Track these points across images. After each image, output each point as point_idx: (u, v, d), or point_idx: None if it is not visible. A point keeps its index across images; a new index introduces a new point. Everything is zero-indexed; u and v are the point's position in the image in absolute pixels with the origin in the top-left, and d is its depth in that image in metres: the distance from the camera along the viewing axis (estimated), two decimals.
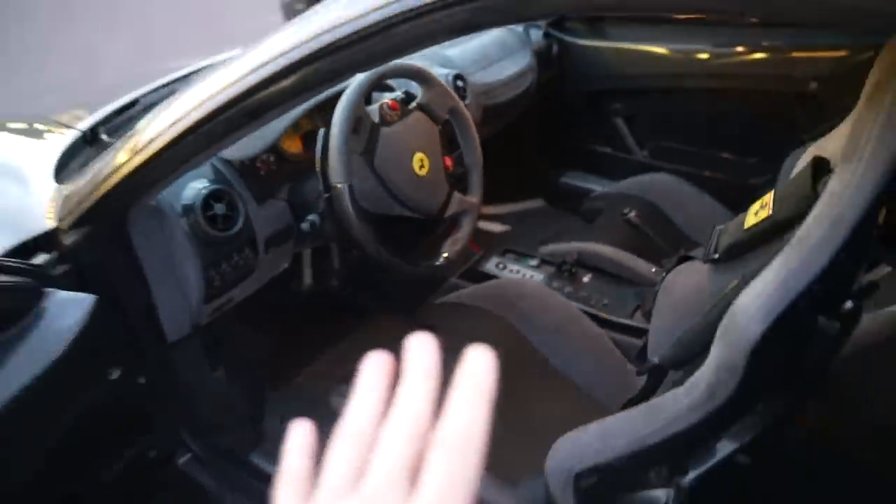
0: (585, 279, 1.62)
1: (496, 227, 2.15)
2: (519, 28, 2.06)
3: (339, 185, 1.18)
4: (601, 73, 2.14)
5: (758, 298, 0.67)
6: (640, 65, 2.07)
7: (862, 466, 1.08)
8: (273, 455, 1.31)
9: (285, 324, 1.65)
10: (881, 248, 0.78)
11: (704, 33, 1.96)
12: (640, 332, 1.40)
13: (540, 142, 2.33)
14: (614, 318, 1.48)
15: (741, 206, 1.06)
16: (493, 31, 2.00)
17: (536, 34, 2.10)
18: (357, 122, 1.23)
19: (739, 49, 1.90)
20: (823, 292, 0.72)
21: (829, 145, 0.94)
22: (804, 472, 1.08)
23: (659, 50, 2.03)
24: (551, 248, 1.75)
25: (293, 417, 0.41)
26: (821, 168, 0.87)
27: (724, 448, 0.87)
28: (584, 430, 0.90)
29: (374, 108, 1.31)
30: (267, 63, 0.81)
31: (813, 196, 0.82)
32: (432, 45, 0.78)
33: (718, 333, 0.73)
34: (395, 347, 1.18)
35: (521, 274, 1.69)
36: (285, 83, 0.81)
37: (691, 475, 0.89)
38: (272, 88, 0.83)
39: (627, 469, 0.88)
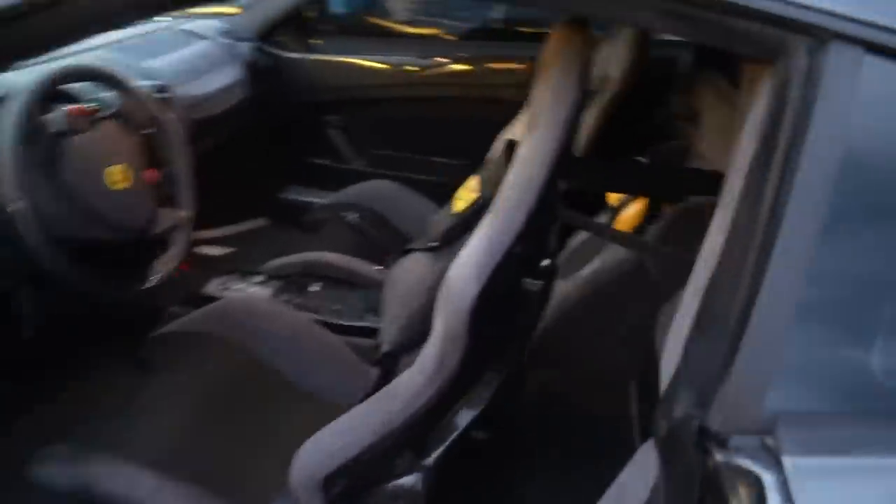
0: (314, 289, 1.60)
1: (217, 251, 2.04)
2: (226, 41, 2.00)
3: (15, 206, 1.01)
4: (314, 86, 2.16)
5: (468, 264, 0.71)
6: (351, 77, 2.13)
7: (584, 412, 1.22)
8: None
9: None
10: (577, 213, 0.90)
11: (411, 45, 2.10)
12: (375, 332, 1.41)
13: (259, 158, 2.27)
14: (347, 322, 1.47)
15: None
16: (198, 44, 1.92)
17: (245, 47, 2.05)
18: (33, 131, 1.06)
19: (443, 60, 2.06)
20: (523, 254, 0.79)
21: (517, 129, 1.04)
22: (537, 431, 1.18)
23: (368, 62, 2.11)
24: (277, 262, 1.70)
25: None
26: (512, 147, 0.96)
27: (462, 419, 0.91)
28: (323, 433, 0.88)
29: (55, 117, 1.15)
30: None
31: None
32: (109, 28, 0.70)
33: (438, 305, 0.76)
34: (113, 395, 1.03)
35: (245, 292, 1.61)
36: None
37: (434, 455, 0.92)
38: None
39: (374, 460, 0.88)
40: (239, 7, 2.16)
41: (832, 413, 0.55)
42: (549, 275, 0.85)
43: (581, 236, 1.36)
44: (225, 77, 1.88)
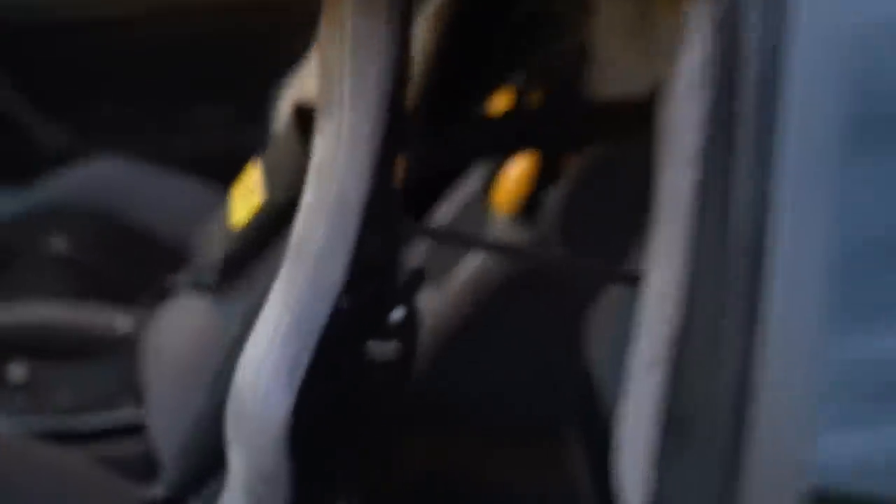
0: (19, 373, 1.54)
1: None
2: None
3: None
4: None
5: (267, 363, 0.72)
6: None
7: (498, 488, 1.27)
8: None
9: None
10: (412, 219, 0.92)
11: None
12: (138, 429, 1.39)
13: None
14: (87, 425, 1.45)
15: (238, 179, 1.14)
16: None
17: None
18: None
19: None
20: (358, 309, 0.80)
21: (309, 81, 1.05)
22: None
23: None
24: None
25: None
26: (307, 118, 0.97)
27: None
28: None
29: None
30: None
31: (307, 159, 0.91)
32: None
33: (229, 432, 0.77)
34: None
35: None
36: None
37: None
38: None
39: None
40: None
41: None
42: (410, 327, 0.87)
43: (446, 218, 1.40)
44: None
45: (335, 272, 0.75)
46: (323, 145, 0.77)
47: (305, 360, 0.73)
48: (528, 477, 1.22)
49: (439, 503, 1.15)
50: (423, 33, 1.59)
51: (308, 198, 0.77)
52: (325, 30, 0.81)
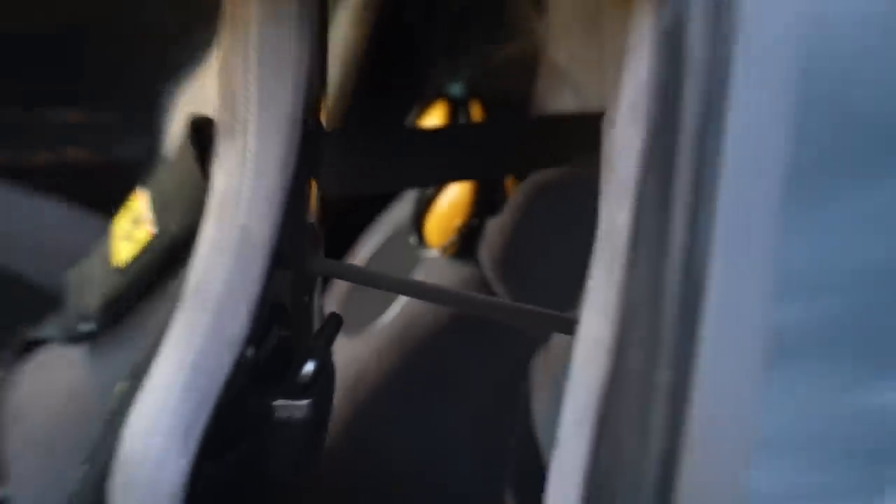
0: None
1: None
2: None
3: None
4: None
5: (158, 423, 0.74)
6: None
7: None
8: None
9: None
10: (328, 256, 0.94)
11: None
12: None
13: None
14: None
15: (116, 202, 1.15)
16: None
17: None
18: None
19: None
20: (264, 361, 0.83)
21: (209, 88, 1.08)
22: None
23: None
24: None
25: None
26: (206, 135, 0.99)
27: None
28: None
29: None
30: None
31: (205, 184, 0.93)
32: None
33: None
34: None
35: None
36: None
37: None
38: None
39: None
40: None
41: None
42: (322, 383, 0.89)
43: (368, 253, 1.42)
44: None
45: (238, 318, 0.77)
46: (224, 171, 0.78)
47: (203, 420, 0.74)
48: None
49: None
50: (342, 29, 1.63)
51: (207, 232, 0.78)
52: (226, 35, 0.83)
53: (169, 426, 0.76)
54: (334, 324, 0.93)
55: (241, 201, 0.78)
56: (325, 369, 0.90)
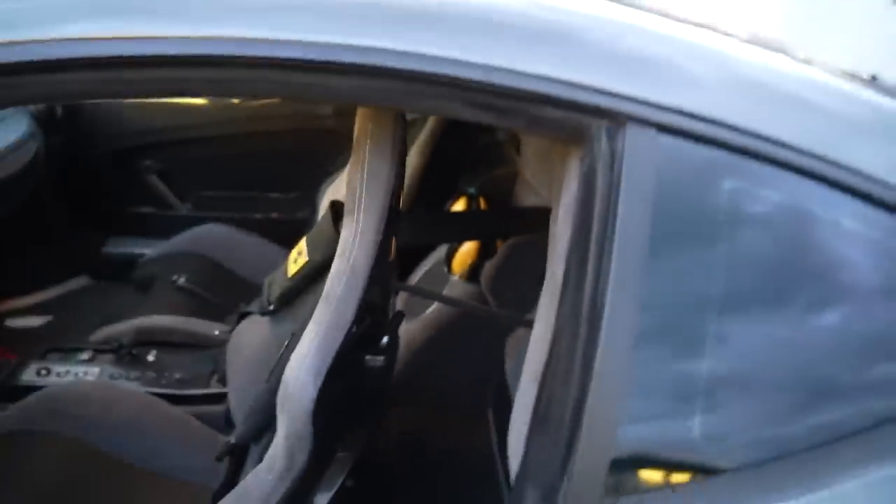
0: (150, 358, 1.50)
1: (34, 322, 1.84)
2: None
3: None
4: (122, 131, 2.02)
5: (303, 367, 0.72)
6: (163, 117, 2.01)
7: (445, 448, 1.25)
8: None
9: None
10: (398, 279, 0.91)
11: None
12: (222, 398, 1.36)
13: (72, 212, 2.09)
14: (191, 392, 1.41)
15: (294, 241, 1.11)
16: None
17: None
18: None
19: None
20: (362, 334, 0.79)
21: (342, 188, 1.05)
22: (401, 471, 1.20)
23: (181, 100, 1.99)
24: (105, 331, 1.58)
25: None
26: (338, 211, 0.96)
27: (320, 500, 0.90)
28: None
29: None
30: None
31: (337, 237, 0.91)
32: None
33: (278, 404, 0.75)
34: None
35: (71, 375, 1.48)
36: None
37: None
38: None
39: None
40: None
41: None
42: (392, 350, 0.87)
43: (420, 276, 1.40)
44: (12, 134, 1.70)
45: (349, 312, 0.75)
46: (346, 232, 0.76)
47: (328, 364, 0.73)
48: (464, 442, 1.21)
49: (408, 458, 1.13)
50: (413, 157, 1.60)
51: (336, 264, 0.76)
52: (352, 161, 0.81)
53: (309, 366, 0.74)
54: (399, 317, 0.90)
55: (354, 248, 0.76)
56: (393, 341, 0.87)
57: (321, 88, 0.58)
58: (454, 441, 1.25)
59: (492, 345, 1.15)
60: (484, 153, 1.58)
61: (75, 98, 0.73)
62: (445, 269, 1.37)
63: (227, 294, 1.67)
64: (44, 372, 1.48)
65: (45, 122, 1.84)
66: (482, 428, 1.19)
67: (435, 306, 1.29)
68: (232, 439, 0.93)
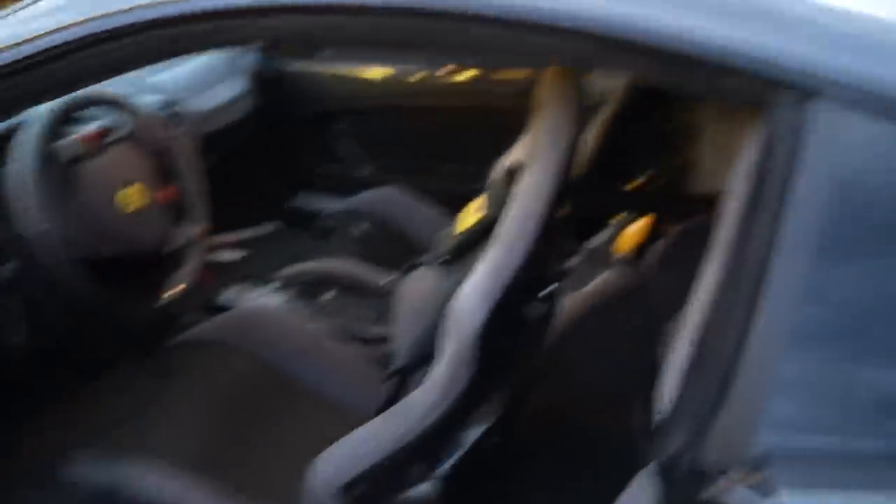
0: (327, 297, 1.64)
1: (231, 256, 2.09)
2: (230, 53, 2.05)
3: (36, 230, 1.07)
4: (322, 96, 2.22)
5: (473, 294, 0.76)
6: (358, 87, 2.19)
7: (589, 426, 1.26)
8: None
9: None
10: (573, 241, 0.94)
11: (418, 56, 2.16)
12: (384, 341, 1.45)
13: (270, 166, 2.33)
14: (359, 331, 1.51)
15: None
16: (203, 57, 1.96)
17: (250, 59, 2.11)
18: (47, 158, 1.12)
19: (450, 70, 2.12)
20: (527, 280, 0.83)
21: (519, 152, 1.09)
22: (543, 444, 1.23)
23: (375, 73, 2.16)
24: (291, 269, 1.75)
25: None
26: (512, 174, 1.01)
27: (472, 434, 0.96)
28: (341, 443, 0.93)
29: (68, 143, 1.20)
30: None
31: (510, 195, 0.95)
32: (134, 69, 0.75)
33: (447, 328, 0.80)
34: (132, 401, 1.08)
35: (260, 300, 1.67)
36: None
37: (446, 467, 0.97)
38: None
39: (389, 471, 0.92)
40: None
41: (824, 448, 0.58)
42: (552, 299, 0.90)
43: (585, 253, 1.40)
44: (230, 89, 1.94)
45: (518, 253, 0.78)
46: (522, 183, 0.81)
47: (495, 298, 0.77)
48: (609, 422, 1.21)
49: (551, 429, 1.15)
50: (591, 140, 1.62)
51: (510, 210, 0.81)
52: (532, 121, 0.85)
53: (478, 294, 0.78)
54: (562, 273, 0.93)
55: (528, 196, 0.80)
56: (554, 294, 0.89)
57: (524, 47, 0.62)
58: (598, 423, 1.25)
59: (648, 331, 1.15)
60: (662, 144, 1.56)
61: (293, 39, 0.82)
62: (611, 247, 1.37)
63: (397, 251, 1.78)
64: (238, 295, 1.68)
65: (259, 84, 2.08)
66: (628, 414, 1.19)
67: (598, 282, 1.30)
68: (397, 363, 1.00)
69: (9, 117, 0.78)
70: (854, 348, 0.59)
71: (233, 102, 1.92)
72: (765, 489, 0.54)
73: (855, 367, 0.59)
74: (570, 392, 1.21)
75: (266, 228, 2.29)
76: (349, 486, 0.91)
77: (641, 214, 1.24)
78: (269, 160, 2.31)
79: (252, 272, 1.81)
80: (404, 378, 1.02)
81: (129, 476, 1.06)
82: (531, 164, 0.80)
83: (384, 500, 0.96)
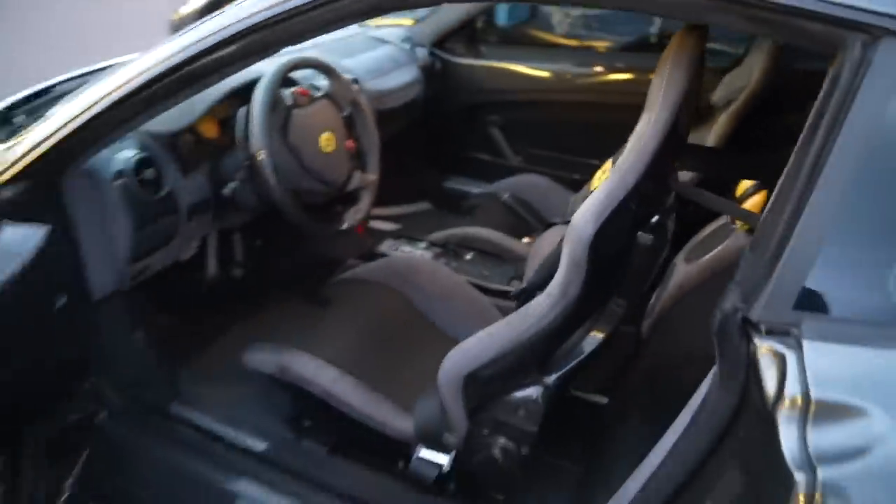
0: (468, 257, 1.84)
1: (387, 226, 2.35)
2: (407, 46, 2.33)
3: (260, 153, 1.36)
4: (478, 88, 2.44)
5: (588, 210, 0.87)
6: (511, 81, 2.39)
7: (693, 388, 1.31)
8: (191, 404, 1.42)
9: (192, 309, 1.74)
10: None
11: (567, 56, 2.35)
12: (516, 297, 1.60)
13: (426, 150, 2.58)
14: (493, 286, 1.67)
15: None
16: (384, 47, 2.26)
17: (422, 52, 2.37)
18: (274, 102, 1.43)
19: (595, 69, 2.29)
20: (637, 211, 0.93)
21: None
22: (647, 400, 1.29)
23: (527, 69, 2.37)
24: (438, 234, 1.96)
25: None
26: None
27: (583, 347, 1.08)
28: (467, 342, 1.06)
29: (287, 94, 1.53)
30: (206, 37, 0.96)
31: None
32: (343, 26, 0.97)
33: (565, 241, 0.91)
34: (302, 318, 1.32)
35: (411, 253, 1.90)
36: (222, 53, 0.96)
37: (555, 375, 1.10)
38: (209, 58, 0.97)
39: (505, 369, 1.04)
40: (413, 19, 2.50)
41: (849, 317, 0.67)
42: (660, 231, 0.98)
43: (708, 229, 1.46)
44: (404, 76, 2.21)
45: (631, 179, 0.87)
46: (640, 124, 0.91)
47: (606, 214, 0.86)
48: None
49: (657, 388, 1.19)
50: (719, 127, 1.70)
51: (629, 144, 0.90)
52: (656, 73, 0.94)
53: (592, 210, 0.88)
54: (671, 210, 1.02)
55: (645, 133, 0.89)
56: (663, 226, 0.98)
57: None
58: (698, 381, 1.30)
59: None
60: (790, 134, 1.59)
61: None
62: (730, 222, 1.41)
63: (531, 218, 1.99)
64: (393, 247, 1.92)
65: (427, 74, 2.34)
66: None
67: (714, 254, 1.35)
68: (523, 285, 1.15)
69: (267, 55, 1.01)
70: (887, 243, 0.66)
71: (405, 87, 2.19)
72: (794, 339, 0.65)
73: (888, 256, 0.66)
74: (679, 353, 1.21)
75: (419, 206, 2.54)
76: (470, 376, 1.05)
77: (762, 188, 1.26)
78: (428, 143, 2.56)
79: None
80: (528, 297, 1.16)
81: (295, 362, 1.28)
82: (648, 111, 0.90)
83: (499, 393, 1.11)
